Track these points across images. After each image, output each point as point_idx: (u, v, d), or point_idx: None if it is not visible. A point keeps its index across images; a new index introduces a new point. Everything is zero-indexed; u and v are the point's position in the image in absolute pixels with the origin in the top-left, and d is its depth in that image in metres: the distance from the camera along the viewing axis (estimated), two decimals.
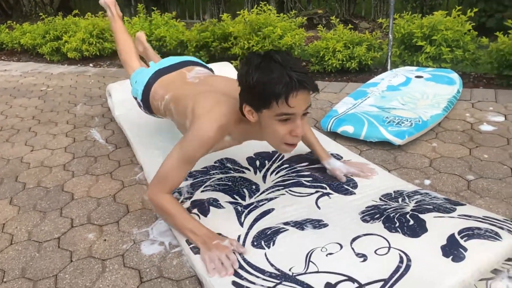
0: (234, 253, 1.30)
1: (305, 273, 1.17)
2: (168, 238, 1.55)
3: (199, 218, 1.53)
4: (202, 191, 1.69)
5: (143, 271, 1.40)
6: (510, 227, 1.28)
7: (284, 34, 3.75)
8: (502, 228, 1.28)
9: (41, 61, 4.94)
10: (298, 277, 1.16)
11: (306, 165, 1.84)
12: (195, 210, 1.58)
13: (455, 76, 2.83)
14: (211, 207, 1.58)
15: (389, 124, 2.16)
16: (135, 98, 1.95)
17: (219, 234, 1.42)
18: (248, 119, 1.32)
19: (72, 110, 3.08)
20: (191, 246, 1.39)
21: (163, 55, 4.37)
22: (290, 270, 1.19)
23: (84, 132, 2.64)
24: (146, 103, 1.85)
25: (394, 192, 1.58)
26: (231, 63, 3.40)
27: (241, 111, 1.34)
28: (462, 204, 1.44)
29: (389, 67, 3.35)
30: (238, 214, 1.51)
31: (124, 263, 1.45)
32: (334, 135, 2.27)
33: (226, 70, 3.08)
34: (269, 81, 1.19)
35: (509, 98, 2.65)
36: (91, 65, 4.54)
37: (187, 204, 1.62)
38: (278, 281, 1.15)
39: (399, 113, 2.31)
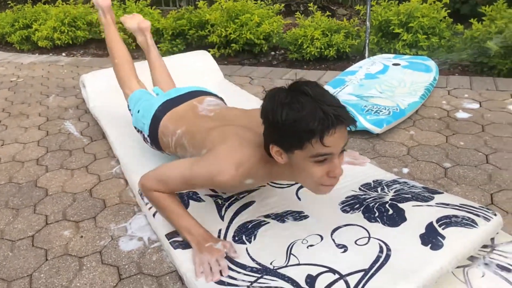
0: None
1: (286, 266, 1.17)
2: (147, 233, 1.52)
3: None
4: None
5: (121, 267, 1.38)
6: (485, 214, 1.30)
7: (262, 21, 3.71)
8: (478, 216, 1.30)
9: (11, 50, 4.76)
10: (279, 270, 1.15)
11: None
12: None
13: (431, 63, 2.86)
14: (190, 201, 1.56)
15: (368, 112, 2.17)
16: (139, 131, 1.78)
17: None
18: (276, 160, 1.15)
19: (44, 101, 2.98)
20: (170, 240, 1.37)
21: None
22: (271, 263, 1.19)
23: (58, 124, 2.56)
24: (154, 139, 1.68)
25: (373, 181, 1.59)
26: (208, 51, 3.34)
27: (267, 151, 1.17)
28: (439, 193, 1.46)
29: (366, 54, 3.36)
30: (219, 208, 1.50)
31: (102, 260, 1.42)
32: None
33: (203, 59, 3.03)
34: (301, 118, 1.03)
35: (484, 85, 2.70)
36: (63, 54, 4.40)
37: None
38: (259, 275, 1.15)
39: (377, 101, 2.32)
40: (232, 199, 1.54)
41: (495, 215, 1.29)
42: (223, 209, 1.49)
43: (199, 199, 1.56)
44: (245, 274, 1.16)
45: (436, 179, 1.74)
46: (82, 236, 1.54)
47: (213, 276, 1.17)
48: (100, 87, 2.65)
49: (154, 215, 1.52)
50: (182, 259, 1.29)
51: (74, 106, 2.84)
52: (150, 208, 1.55)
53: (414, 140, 2.07)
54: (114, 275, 1.35)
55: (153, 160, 1.85)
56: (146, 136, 1.72)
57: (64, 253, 1.46)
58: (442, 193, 1.47)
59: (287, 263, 1.18)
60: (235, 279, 1.16)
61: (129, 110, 1.90)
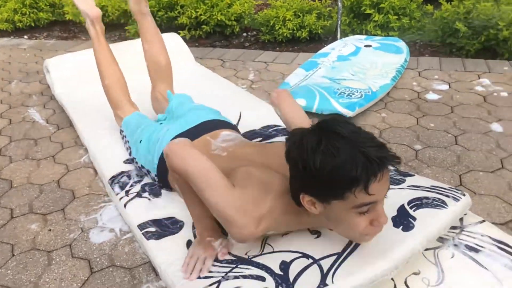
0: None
1: (260, 255, 1.16)
2: (118, 224, 1.49)
3: (150, 201, 1.48)
4: None
5: (93, 260, 1.34)
6: (455, 195, 1.33)
7: (233, 2, 3.63)
8: (448, 196, 1.32)
9: None
10: (253, 259, 1.15)
11: (259, 141, 1.82)
12: (145, 194, 1.52)
13: (402, 44, 2.88)
14: (163, 190, 1.53)
15: (340, 96, 2.17)
16: (140, 166, 1.58)
17: (173, 218, 1.38)
18: (308, 210, 1.02)
19: (6, 88, 2.85)
20: (143, 231, 1.34)
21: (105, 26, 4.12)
22: (246, 254, 1.18)
23: (22, 112, 2.45)
24: (164, 180, 1.49)
25: None
26: (179, 33, 3.26)
27: (295, 200, 1.03)
28: (411, 175, 1.48)
29: (339, 36, 3.34)
30: None
31: (72, 254, 1.38)
32: None
33: (173, 41, 2.95)
34: (340, 165, 0.88)
35: (453, 66, 2.74)
36: (25, 37, 4.20)
37: (138, 187, 1.55)
38: (233, 265, 1.14)
39: (349, 84, 2.32)
40: None
41: (464, 195, 1.32)
42: None
43: (171, 188, 1.53)
44: (220, 266, 1.15)
45: (407, 161, 1.76)
46: (50, 230, 1.49)
47: (191, 275, 1.14)
48: (65, 72, 2.55)
49: (125, 205, 1.48)
50: (156, 250, 1.27)
51: (39, 92, 2.73)
52: (121, 198, 1.52)
53: (386, 123, 2.09)
54: (85, 268, 1.32)
55: (123, 147, 1.80)
56: (153, 175, 1.53)
57: (32, 248, 1.41)
58: (413, 175, 1.49)
59: (262, 251, 1.17)
60: (210, 271, 1.14)
61: (123, 136, 1.73)
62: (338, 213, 0.97)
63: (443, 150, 1.83)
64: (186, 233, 1.33)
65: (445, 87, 2.44)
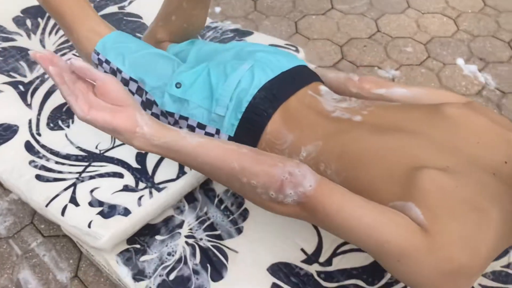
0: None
1: (113, 148, 1.15)
2: None
3: None
4: None
5: None
6: (291, 51, 1.41)
7: None
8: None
9: None
10: (106, 154, 1.14)
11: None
12: None
13: None
14: None
15: None
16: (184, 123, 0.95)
17: (4, 124, 1.24)
18: None
19: None
20: None
21: None
22: (96, 147, 1.16)
23: None
24: (239, 138, 0.91)
25: None
26: None
27: None
28: (250, 33, 1.51)
29: None
30: (22, 95, 1.31)
31: None
32: None
33: None
34: None
35: None
36: None
37: None
38: (86, 163, 1.12)
39: None
40: (37, 81, 1.36)
41: (298, 51, 1.41)
42: (28, 96, 1.31)
43: None
44: (70, 165, 1.12)
45: (247, 15, 1.76)
46: None
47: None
48: None
49: None
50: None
51: None
52: None
53: None
54: None
55: None
56: (224, 136, 0.90)
57: None
58: (253, 33, 1.51)
59: (113, 144, 1.16)
60: (61, 172, 1.11)
61: (113, 68, 1.00)
62: None
63: None
64: (22, 135, 1.20)
65: None
